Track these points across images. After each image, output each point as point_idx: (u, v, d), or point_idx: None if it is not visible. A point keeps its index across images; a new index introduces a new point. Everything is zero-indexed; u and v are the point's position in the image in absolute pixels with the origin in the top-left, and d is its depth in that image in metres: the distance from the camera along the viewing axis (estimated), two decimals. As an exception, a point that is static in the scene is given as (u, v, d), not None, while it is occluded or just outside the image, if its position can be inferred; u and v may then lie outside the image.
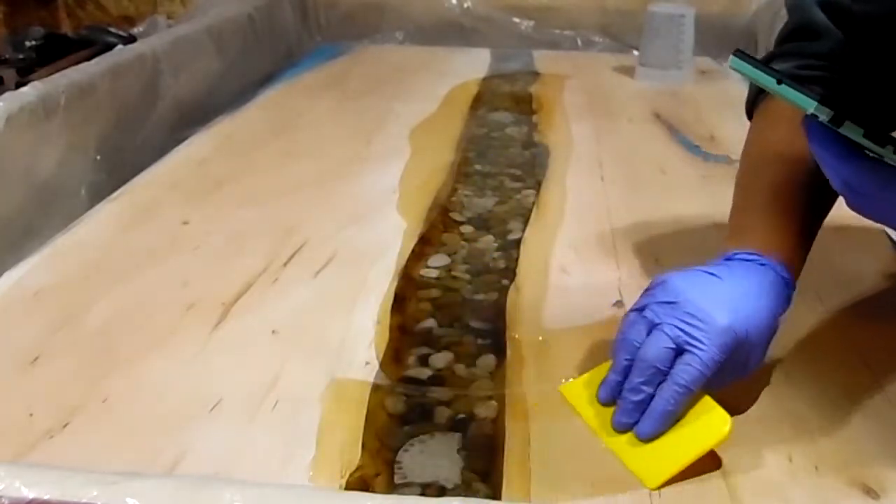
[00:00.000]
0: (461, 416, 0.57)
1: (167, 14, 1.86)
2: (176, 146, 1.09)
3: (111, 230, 0.84)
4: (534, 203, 0.92)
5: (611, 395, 0.54)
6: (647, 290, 0.55)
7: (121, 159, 1.02)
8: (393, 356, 0.63)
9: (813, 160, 0.49)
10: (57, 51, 1.56)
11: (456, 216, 0.90)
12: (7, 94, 0.85)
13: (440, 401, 0.59)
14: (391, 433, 0.55)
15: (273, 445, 0.53)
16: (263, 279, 0.74)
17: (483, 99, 1.35)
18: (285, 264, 0.77)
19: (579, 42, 1.74)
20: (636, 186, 0.97)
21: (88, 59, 1.04)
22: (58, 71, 0.97)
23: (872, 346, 0.64)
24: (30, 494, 0.41)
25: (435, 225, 0.87)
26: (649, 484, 0.49)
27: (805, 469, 0.51)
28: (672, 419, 0.51)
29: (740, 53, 0.46)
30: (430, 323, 0.69)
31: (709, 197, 0.93)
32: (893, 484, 0.49)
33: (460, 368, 0.63)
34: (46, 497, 0.41)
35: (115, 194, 0.93)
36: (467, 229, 0.87)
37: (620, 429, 0.52)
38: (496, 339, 0.66)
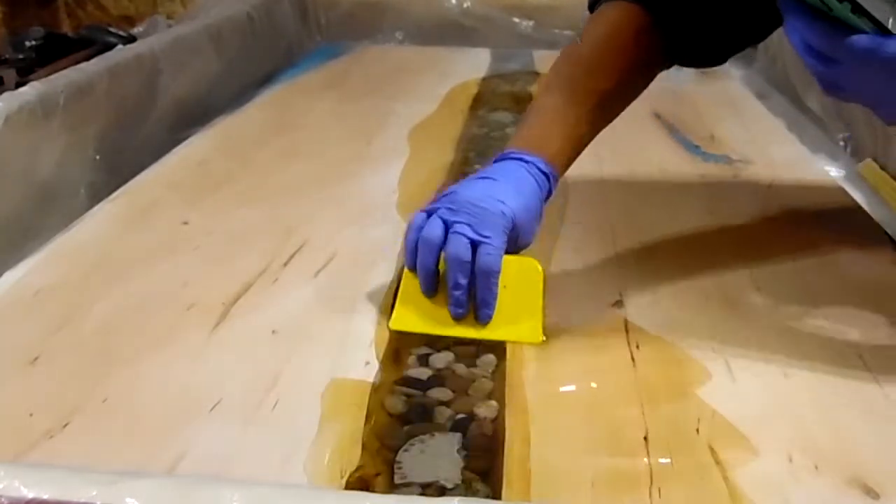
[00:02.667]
0: (461, 416, 0.57)
1: (167, 14, 1.87)
2: (175, 146, 1.09)
3: (111, 230, 0.84)
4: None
5: (433, 288, 0.65)
6: (434, 200, 0.66)
7: (120, 159, 1.02)
8: (393, 356, 0.63)
9: (611, 76, 0.68)
10: (57, 51, 1.56)
11: (456, 216, 0.90)
12: (6, 94, 0.85)
13: (440, 401, 0.59)
14: (391, 433, 0.55)
15: (273, 445, 0.53)
16: (263, 279, 0.74)
17: (483, 99, 1.35)
18: (285, 264, 0.77)
19: (579, 42, 1.74)
20: (636, 186, 0.97)
21: (88, 59, 1.04)
22: (57, 71, 0.97)
23: (872, 346, 0.64)
24: (29, 494, 0.41)
25: (435, 225, 0.86)
26: (535, 340, 0.63)
27: (805, 469, 0.51)
28: (497, 297, 0.63)
29: None
30: (430, 323, 0.69)
31: (709, 197, 0.93)
32: (893, 484, 0.49)
33: (460, 368, 0.63)
34: (45, 496, 0.41)
35: (114, 194, 0.93)
36: (467, 229, 0.87)
37: (460, 318, 0.64)
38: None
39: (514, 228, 0.64)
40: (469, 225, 0.62)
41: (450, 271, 0.63)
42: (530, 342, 0.64)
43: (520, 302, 0.65)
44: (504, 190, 0.64)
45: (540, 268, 0.66)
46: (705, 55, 0.76)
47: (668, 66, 0.77)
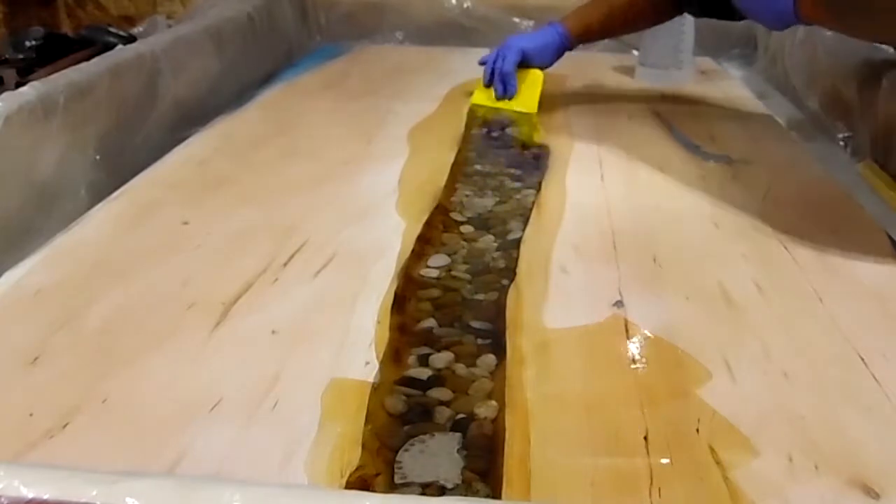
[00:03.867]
0: (461, 416, 0.57)
1: (167, 14, 1.87)
2: (176, 146, 1.09)
3: (111, 230, 0.84)
4: (534, 203, 0.92)
5: (488, 84, 1.27)
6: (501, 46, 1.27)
7: (121, 159, 1.02)
8: (393, 356, 0.63)
9: None
10: (57, 51, 1.56)
11: (456, 216, 0.90)
12: (6, 94, 0.85)
13: (440, 401, 0.59)
14: (391, 433, 0.55)
15: (273, 445, 0.53)
16: (263, 279, 0.74)
17: (483, 99, 1.35)
18: (285, 264, 0.77)
19: (579, 42, 1.74)
20: (636, 186, 0.97)
21: (88, 59, 1.04)
22: (58, 71, 0.97)
23: (872, 346, 0.64)
24: (29, 494, 0.41)
25: (435, 225, 0.87)
26: (531, 110, 1.24)
27: (805, 469, 0.51)
28: (515, 84, 1.25)
29: None
30: (430, 323, 0.69)
31: (709, 197, 0.93)
32: (893, 484, 0.49)
33: (460, 368, 0.63)
34: (45, 496, 0.41)
35: (114, 194, 0.93)
36: (467, 229, 0.87)
37: (500, 97, 1.26)
38: (496, 339, 0.66)
39: (527, 55, 1.24)
40: (503, 53, 1.25)
41: (491, 73, 1.27)
42: (528, 111, 1.24)
43: (528, 91, 1.25)
44: (527, 38, 1.26)
45: (540, 72, 1.26)
46: (709, 8, 1.15)
47: (680, 12, 1.23)
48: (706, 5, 1.15)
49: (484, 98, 1.26)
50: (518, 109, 1.23)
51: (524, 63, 1.23)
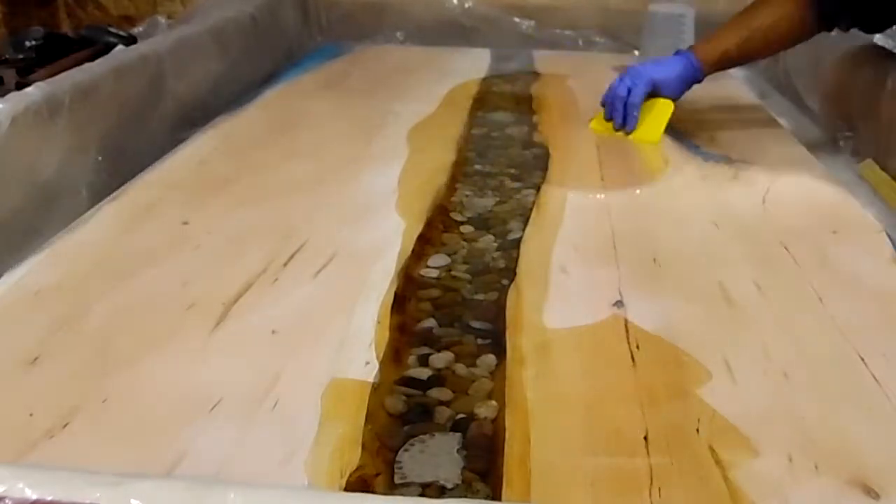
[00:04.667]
0: (461, 416, 0.57)
1: (167, 14, 1.86)
2: (177, 146, 1.09)
3: (111, 230, 0.84)
4: (534, 203, 0.92)
5: (609, 116, 1.16)
6: (625, 74, 1.15)
7: (122, 160, 1.02)
8: (393, 356, 0.63)
9: (762, 19, 1.08)
10: (57, 51, 1.56)
11: (456, 216, 0.90)
12: (11, 95, 0.85)
13: (440, 401, 0.59)
14: (391, 433, 0.55)
15: (273, 445, 0.53)
16: (263, 279, 0.74)
17: (483, 99, 1.35)
18: (285, 264, 0.77)
19: (580, 42, 1.74)
20: (636, 186, 0.98)
21: (89, 59, 1.04)
22: (58, 71, 0.97)
23: (872, 346, 0.64)
24: (33, 495, 0.41)
25: (435, 225, 0.87)
26: (654, 140, 1.12)
27: (805, 469, 0.51)
28: (637, 118, 1.13)
29: None
30: (430, 323, 0.69)
31: (709, 197, 0.93)
32: (893, 484, 0.49)
33: (460, 368, 0.63)
34: (49, 498, 0.41)
35: (115, 194, 0.93)
36: (467, 229, 0.87)
37: (618, 129, 1.15)
38: (496, 339, 0.66)
39: (657, 85, 1.12)
40: (631, 83, 1.13)
41: (614, 103, 1.15)
42: (651, 142, 1.12)
43: (654, 122, 1.14)
44: (657, 68, 1.14)
45: (671, 103, 1.14)
46: (857, 19, 1.06)
47: (829, 28, 1.08)
48: (860, 18, 1.06)
49: (603, 127, 1.17)
50: (640, 139, 1.13)
51: (652, 94, 1.14)
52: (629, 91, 1.12)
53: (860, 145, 1.12)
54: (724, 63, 1.13)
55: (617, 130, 1.14)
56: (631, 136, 1.13)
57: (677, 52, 1.13)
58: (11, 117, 0.82)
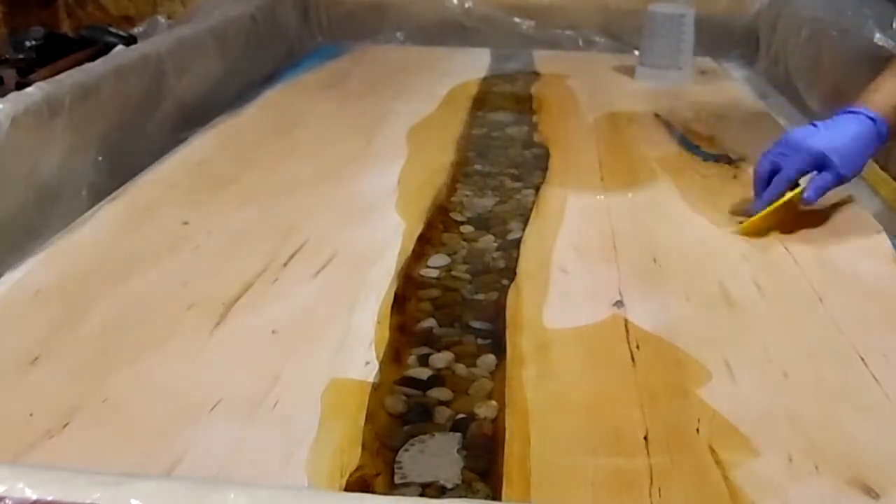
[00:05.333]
0: (461, 416, 0.57)
1: (167, 14, 1.86)
2: (177, 146, 1.09)
3: (111, 230, 0.84)
4: (534, 203, 0.92)
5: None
6: (775, 145, 0.85)
7: (122, 160, 1.02)
8: (393, 356, 0.63)
9: None
10: (57, 51, 1.56)
11: (456, 216, 0.90)
12: (12, 95, 0.85)
13: (440, 401, 0.59)
14: (391, 433, 0.55)
15: (273, 445, 0.53)
16: (263, 279, 0.74)
17: (483, 99, 1.35)
18: (285, 264, 0.77)
19: (580, 42, 1.74)
20: (636, 186, 0.97)
21: (89, 59, 1.04)
22: (58, 71, 0.97)
23: (872, 346, 0.64)
24: (33, 495, 0.41)
25: (435, 225, 0.87)
26: (742, 232, 0.83)
27: (805, 469, 0.51)
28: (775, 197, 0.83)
29: None
30: (430, 323, 0.69)
31: (708, 197, 0.93)
32: (893, 484, 0.49)
33: (460, 368, 0.63)
34: (49, 498, 0.41)
35: (115, 194, 0.93)
36: (467, 229, 0.87)
37: (757, 209, 0.84)
38: (496, 339, 0.66)
39: (825, 159, 0.80)
40: (778, 152, 0.83)
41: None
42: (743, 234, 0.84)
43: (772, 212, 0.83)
44: (821, 135, 0.82)
45: (798, 197, 0.82)
46: None
47: None
48: None
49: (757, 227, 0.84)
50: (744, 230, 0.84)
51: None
52: (775, 166, 0.84)
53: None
54: None
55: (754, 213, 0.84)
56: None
57: (840, 112, 0.84)
58: (11, 117, 0.82)
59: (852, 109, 0.83)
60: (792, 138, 0.84)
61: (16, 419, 0.55)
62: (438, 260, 0.80)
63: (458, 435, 0.55)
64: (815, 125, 0.84)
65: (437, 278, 0.76)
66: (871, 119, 0.81)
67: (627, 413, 0.56)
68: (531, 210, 0.90)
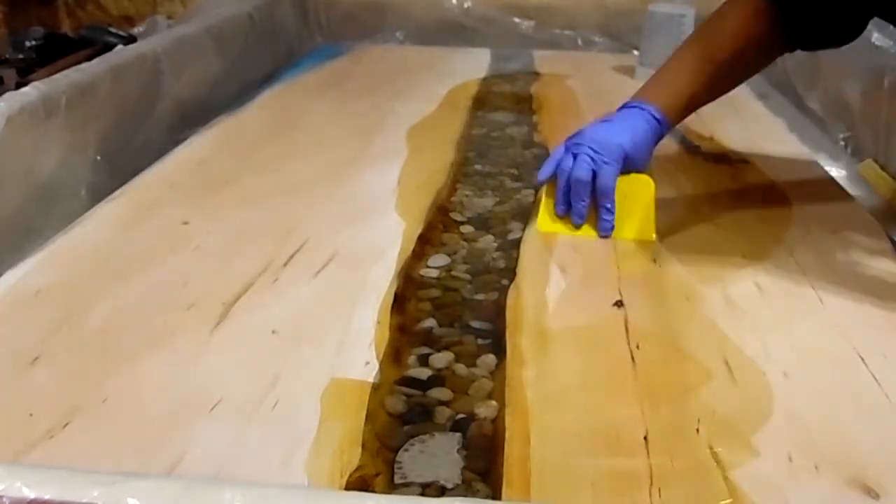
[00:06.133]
0: (461, 416, 0.57)
1: (167, 14, 1.87)
2: (176, 146, 1.09)
3: (111, 230, 0.84)
4: (534, 203, 0.92)
5: (564, 209, 0.82)
6: (566, 140, 0.83)
7: (121, 160, 1.02)
8: (393, 356, 0.63)
9: (727, 49, 0.82)
10: (57, 51, 1.56)
11: (456, 216, 0.90)
12: (8, 95, 0.85)
13: (440, 401, 0.59)
14: (391, 433, 0.55)
15: (273, 445, 0.53)
16: (263, 279, 0.74)
17: (483, 99, 1.35)
18: (285, 264, 0.77)
19: (579, 42, 1.74)
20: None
21: (88, 59, 1.04)
22: (58, 71, 0.97)
23: (872, 346, 0.64)
24: (31, 494, 0.41)
25: (435, 225, 0.87)
26: (648, 237, 0.80)
27: (805, 469, 0.51)
28: (615, 208, 0.80)
29: None
30: (430, 323, 0.69)
31: (708, 197, 0.93)
32: (893, 484, 0.49)
33: (460, 368, 0.63)
34: (47, 497, 0.41)
35: (114, 194, 0.93)
36: (467, 229, 0.87)
37: (579, 227, 0.82)
38: (496, 339, 0.66)
39: (627, 159, 0.80)
40: (597, 159, 0.79)
41: (573, 190, 0.80)
42: (644, 239, 0.81)
43: (635, 209, 0.81)
44: (620, 131, 0.81)
45: (652, 181, 0.81)
46: (823, 37, 0.83)
47: (791, 49, 0.85)
48: (825, 36, 0.83)
49: (557, 226, 0.83)
50: (627, 237, 0.81)
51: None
52: (594, 173, 0.80)
53: (860, 145, 1.12)
54: (694, 107, 0.87)
55: (578, 228, 0.82)
56: (613, 236, 0.81)
57: (626, 106, 0.84)
58: (7, 117, 0.82)
59: (636, 105, 0.83)
60: (601, 136, 0.81)
61: (16, 419, 0.55)
62: (438, 260, 0.80)
63: (458, 435, 0.55)
64: (606, 123, 0.83)
65: (437, 278, 0.76)
66: (658, 118, 0.83)
67: (627, 413, 0.56)
68: (531, 210, 0.90)
